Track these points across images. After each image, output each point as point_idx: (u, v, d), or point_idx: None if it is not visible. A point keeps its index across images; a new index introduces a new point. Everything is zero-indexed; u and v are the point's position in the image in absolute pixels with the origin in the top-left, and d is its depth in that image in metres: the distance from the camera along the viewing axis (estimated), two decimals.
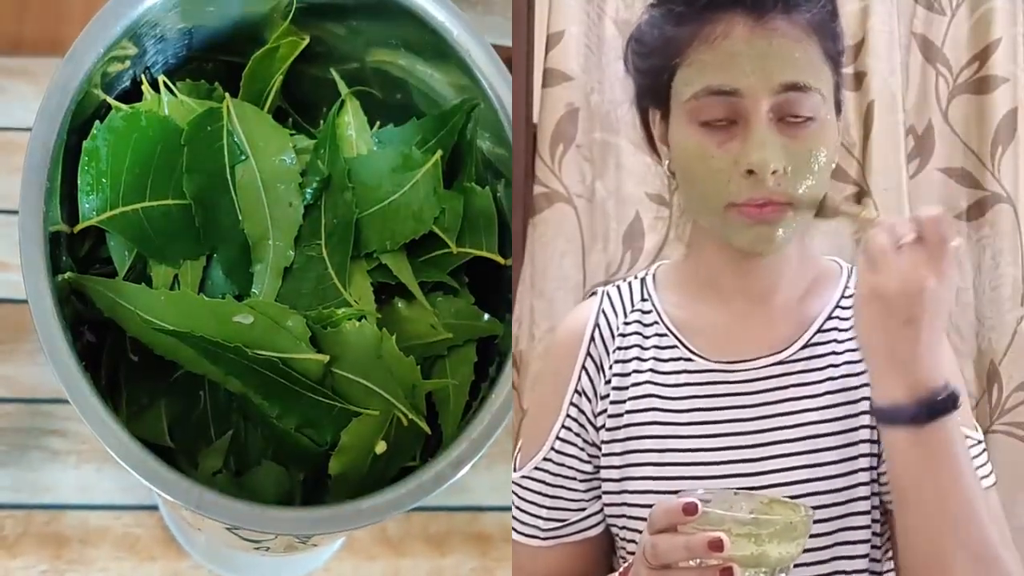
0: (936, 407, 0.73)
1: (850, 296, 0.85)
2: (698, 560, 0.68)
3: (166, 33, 0.84)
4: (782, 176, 0.78)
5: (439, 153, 0.86)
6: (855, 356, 0.83)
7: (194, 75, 0.87)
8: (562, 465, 0.87)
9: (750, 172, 0.77)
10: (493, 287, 0.88)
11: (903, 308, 0.73)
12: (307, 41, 0.88)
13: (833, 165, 0.81)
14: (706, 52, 0.79)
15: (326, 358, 0.80)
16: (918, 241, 0.72)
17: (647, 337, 0.87)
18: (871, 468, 0.81)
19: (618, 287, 0.91)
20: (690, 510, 0.68)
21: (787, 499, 0.74)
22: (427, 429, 0.83)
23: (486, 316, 0.87)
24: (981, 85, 1.25)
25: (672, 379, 0.85)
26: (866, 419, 0.81)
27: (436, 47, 0.85)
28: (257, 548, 0.89)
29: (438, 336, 0.85)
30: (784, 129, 0.78)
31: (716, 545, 0.67)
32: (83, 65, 0.79)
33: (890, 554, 0.83)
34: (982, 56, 1.25)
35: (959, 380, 0.80)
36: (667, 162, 0.85)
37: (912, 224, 0.73)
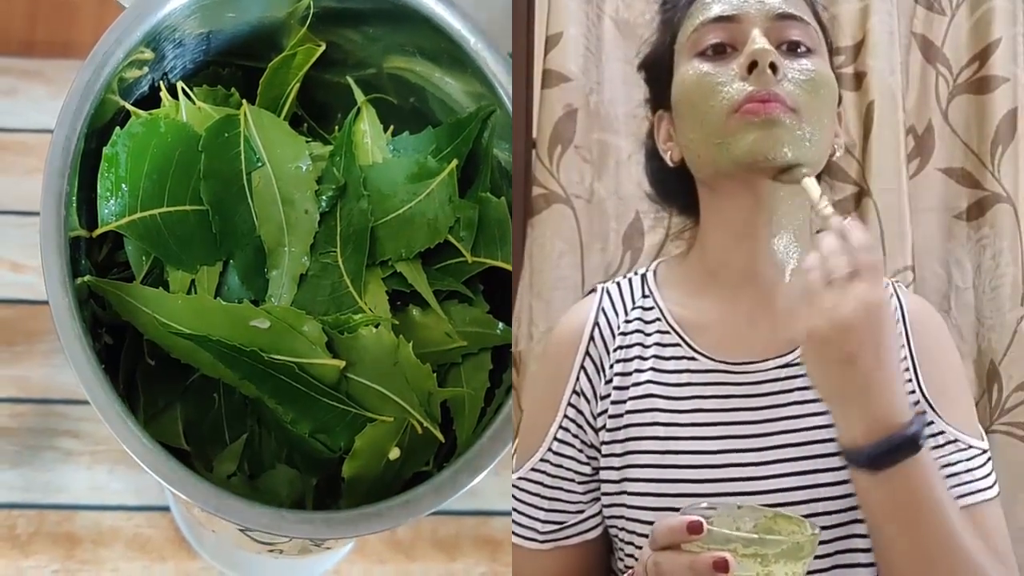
0: (894, 449, 0.72)
1: None
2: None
3: (184, 38, 0.85)
4: (783, 79, 0.79)
5: (455, 162, 0.87)
6: None
7: (211, 80, 0.88)
8: (559, 467, 0.86)
9: (751, 67, 0.79)
10: (508, 296, 0.88)
11: (836, 347, 0.72)
12: (323, 48, 0.89)
13: (836, 106, 0.82)
14: None
15: (342, 363, 0.80)
16: (851, 276, 0.72)
17: (648, 335, 0.85)
18: None
19: (618, 284, 0.89)
20: (695, 529, 0.68)
21: (791, 514, 0.73)
22: (441, 438, 0.83)
23: (501, 325, 0.88)
24: (981, 85, 1.24)
25: (674, 378, 0.83)
26: None
27: (453, 55, 0.86)
28: (271, 551, 0.90)
29: (453, 344, 0.86)
30: (782, 55, 0.80)
31: (721, 566, 0.66)
32: (102, 70, 0.79)
33: None
34: (982, 56, 1.24)
35: (956, 403, 0.81)
36: (670, 153, 0.85)
37: (846, 258, 0.72)
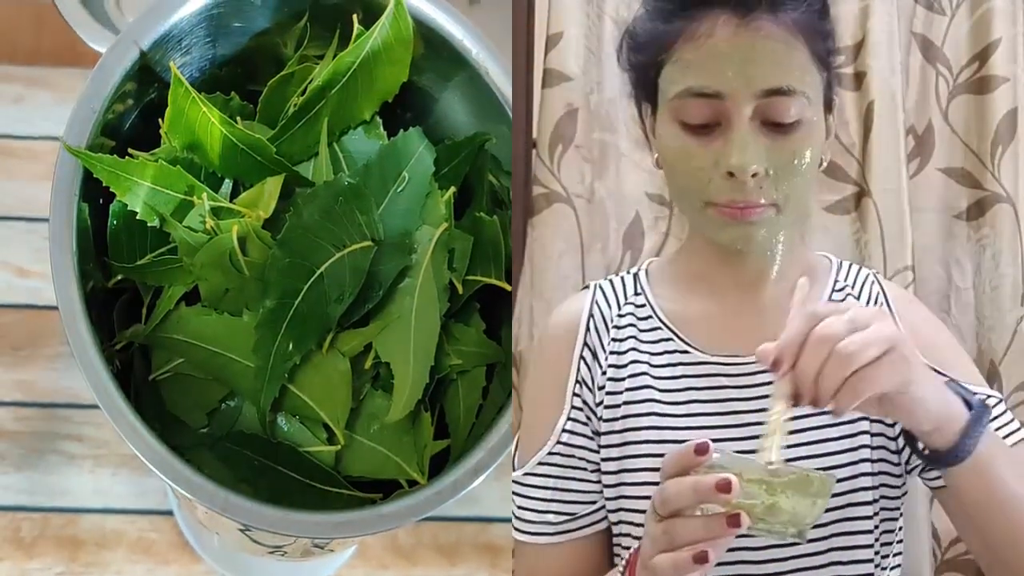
0: (975, 425, 0.74)
1: (840, 289, 0.87)
2: (705, 508, 0.68)
3: (192, 47, 0.87)
4: (764, 178, 0.78)
5: (452, 189, 0.90)
6: None
7: (213, 87, 0.90)
8: (571, 456, 0.86)
9: (730, 174, 0.78)
10: (501, 310, 0.91)
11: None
12: (318, 66, 0.90)
13: (821, 164, 0.81)
14: (690, 51, 0.79)
15: (339, 447, 0.85)
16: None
17: (642, 331, 0.87)
18: (871, 460, 0.82)
19: (611, 281, 0.91)
20: (702, 450, 0.68)
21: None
22: (423, 481, 0.86)
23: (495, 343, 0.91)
24: (981, 85, 1.25)
25: (668, 371, 0.85)
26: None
27: (455, 65, 0.89)
28: (272, 552, 0.92)
29: (449, 362, 0.88)
30: (768, 132, 0.79)
31: (724, 486, 0.66)
32: (111, 78, 0.82)
33: (894, 553, 0.85)
34: (982, 56, 1.25)
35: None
36: (656, 155, 0.85)
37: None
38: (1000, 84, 1.24)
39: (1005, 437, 0.82)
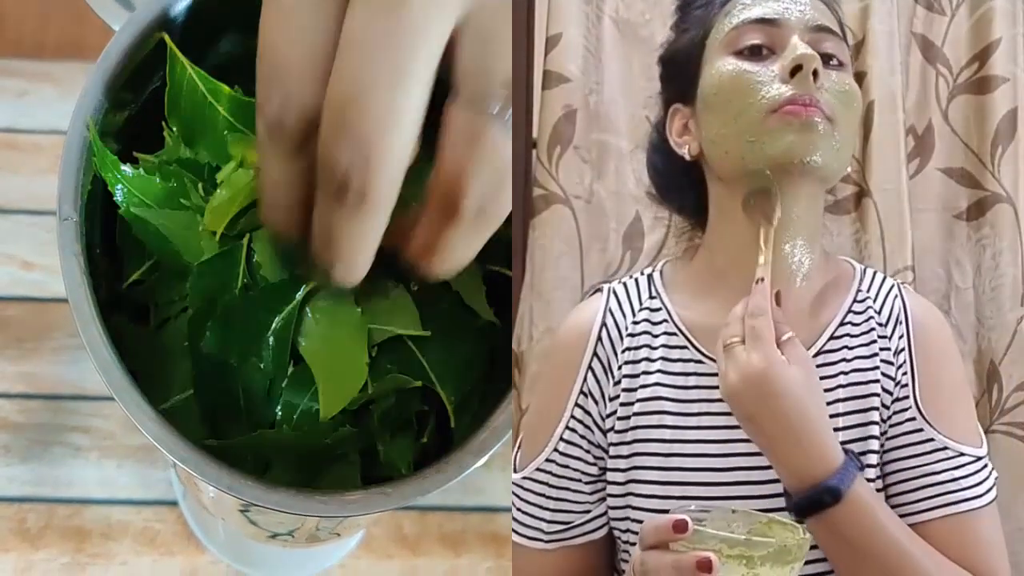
0: (815, 501, 0.75)
1: (863, 300, 0.87)
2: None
3: (195, 39, 0.86)
4: (822, 88, 0.82)
5: None
6: (866, 364, 0.84)
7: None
8: (566, 467, 0.87)
9: (795, 70, 0.81)
10: (507, 295, 0.91)
11: (735, 409, 0.76)
12: None
13: (857, 124, 0.86)
14: None
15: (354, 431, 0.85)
16: (738, 343, 0.76)
17: (656, 336, 0.87)
18: (877, 477, 0.83)
19: (624, 284, 0.90)
20: (680, 527, 0.69)
21: (787, 520, 0.75)
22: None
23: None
24: (981, 85, 1.26)
25: (681, 380, 0.85)
26: (875, 429, 0.83)
27: None
28: (274, 537, 0.94)
29: None
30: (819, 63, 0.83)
31: (705, 566, 0.68)
32: (115, 69, 0.82)
33: None
34: (982, 56, 1.26)
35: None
36: (687, 147, 0.87)
37: (735, 325, 0.77)
38: (1000, 84, 1.25)
39: (975, 486, 0.83)
